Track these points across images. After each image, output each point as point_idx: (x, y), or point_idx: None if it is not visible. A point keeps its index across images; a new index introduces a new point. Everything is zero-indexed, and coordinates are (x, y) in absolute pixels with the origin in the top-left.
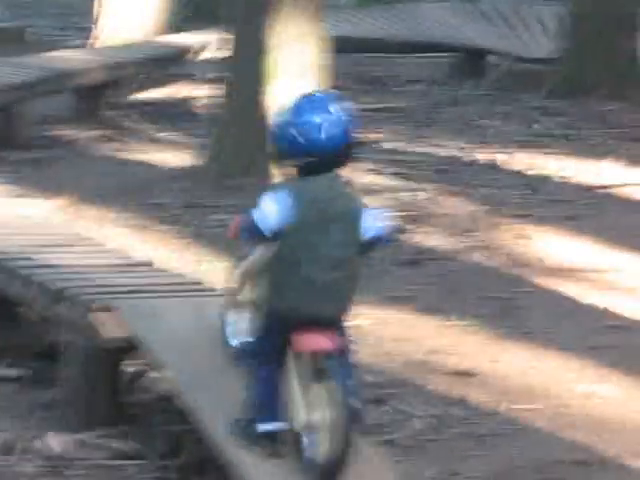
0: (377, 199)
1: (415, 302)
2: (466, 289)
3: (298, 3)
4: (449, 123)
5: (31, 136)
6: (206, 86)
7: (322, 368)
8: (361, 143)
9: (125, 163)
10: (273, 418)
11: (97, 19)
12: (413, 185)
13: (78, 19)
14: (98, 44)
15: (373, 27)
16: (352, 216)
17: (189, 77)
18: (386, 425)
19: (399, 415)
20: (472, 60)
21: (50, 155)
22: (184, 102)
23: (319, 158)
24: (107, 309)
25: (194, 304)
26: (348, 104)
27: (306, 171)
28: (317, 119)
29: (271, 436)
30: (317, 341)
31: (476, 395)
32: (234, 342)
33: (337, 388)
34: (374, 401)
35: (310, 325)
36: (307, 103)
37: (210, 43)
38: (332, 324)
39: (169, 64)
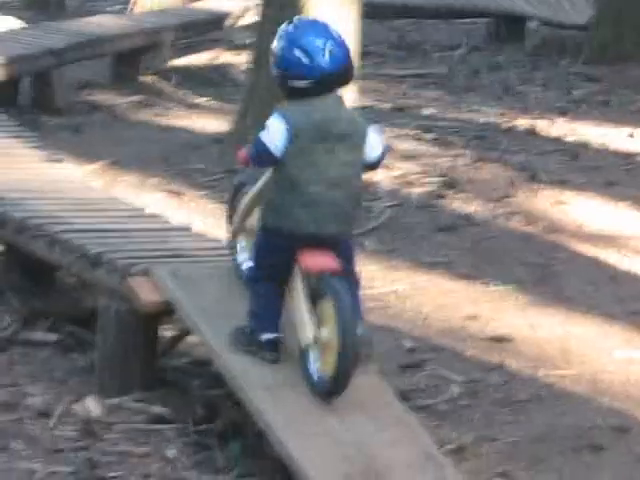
0: (416, 164)
1: (453, 268)
2: (504, 255)
3: None
4: (488, 89)
5: (69, 101)
6: (245, 52)
7: (328, 287)
8: (400, 109)
9: (164, 128)
10: (274, 329)
11: None
12: (452, 151)
13: None
14: (137, 9)
15: None
16: (356, 136)
17: (228, 43)
18: (423, 390)
19: (437, 380)
20: (511, 26)
21: (88, 120)
22: (223, 68)
23: (324, 79)
24: (145, 274)
25: (231, 269)
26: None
27: (309, 93)
28: (321, 41)
29: (272, 345)
30: (324, 260)
31: (514, 361)
32: (246, 266)
33: (344, 307)
34: (412, 366)
35: (314, 243)
36: (309, 26)
37: (249, 8)
38: (336, 242)
39: (208, 29)
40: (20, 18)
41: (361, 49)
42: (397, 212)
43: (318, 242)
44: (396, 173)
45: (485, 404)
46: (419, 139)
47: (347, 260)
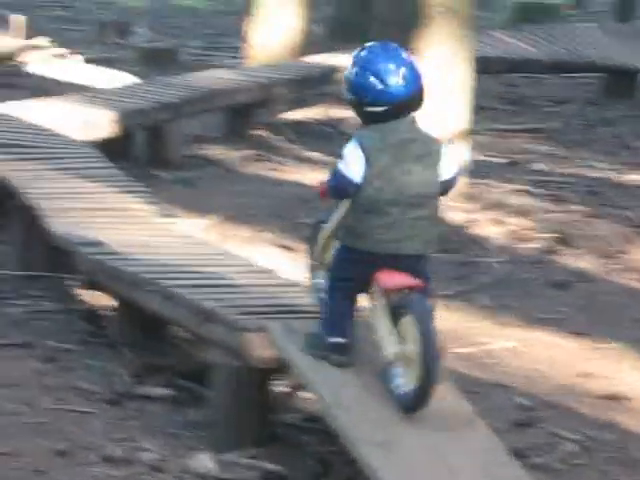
0: (528, 219)
1: (565, 324)
2: (617, 312)
3: (445, 24)
4: (601, 144)
5: (181, 155)
6: None
7: (410, 303)
8: (513, 164)
9: (276, 182)
10: (343, 335)
11: (247, 39)
12: (564, 206)
13: (231, 39)
14: (248, 63)
15: (524, 47)
16: (432, 156)
17: (339, 97)
18: (536, 448)
19: (549, 438)
20: (624, 80)
21: (201, 174)
22: (334, 122)
23: (398, 103)
24: (258, 329)
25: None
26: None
27: (384, 117)
28: (394, 65)
29: (340, 348)
30: (403, 278)
31: (627, 419)
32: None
33: (426, 322)
34: (525, 423)
35: (394, 263)
36: (381, 51)
37: None
38: (415, 261)
39: (318, 83)
40: (133, 72)
41: (474, 103)
42: (509, 268)
43: (398, 261)
44: (508, 228)
45: (600, 462)
46: (531, 194)
47: (422, 277)
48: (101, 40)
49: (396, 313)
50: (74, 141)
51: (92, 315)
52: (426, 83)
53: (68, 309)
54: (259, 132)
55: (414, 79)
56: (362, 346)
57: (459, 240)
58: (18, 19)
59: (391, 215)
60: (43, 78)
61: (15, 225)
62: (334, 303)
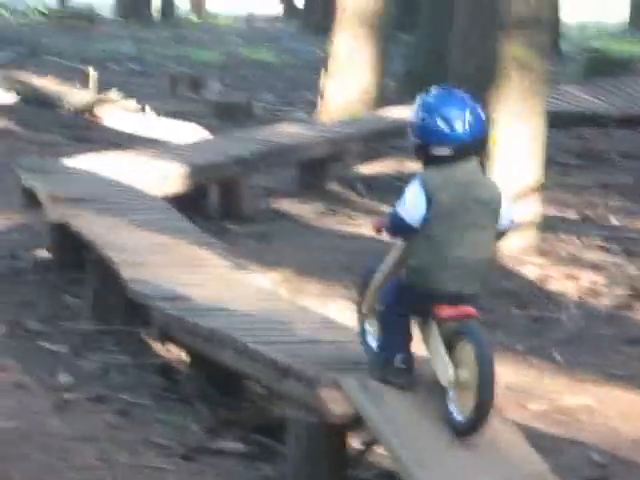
0: (602, 275)
1: None
2: None
3: (519, 79)
4: None
5: (255, 209)
6: None
7: (467, 331)
8: (586, 219)
9: (349, 237)
10: (405, 350)
11: (323, 92)
12: (637, 261)
13: (303, 93)
14: (323, 117)
15: (595, 101)
16: (493, 202)
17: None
18: None
19: None
20: None
21: (274, 228)
22: (408, 176)
23: (463, 147)
24: (334, 385)
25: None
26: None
27: (448, 160)
28: (460, 110)
29: (405, 363)
30: (462, 308)
31: None
32: (375, 345)
33: (484, 349)
34: None
35: (451, 300)
36: (447, 96)
37: None
38: (470, 300)
39: (392, 137)
40: (206, 126)
41: (545, 158)
42: (583, 323)
43: (455, 299)
44: (581, 284)
45: None
46: (604, 249)
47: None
48: (174, 93)
49: (451, 340)
50: (148, 195)
51: (166, 369)
52: (500, 137)
53: (142, 363)
54: (332, 186)
55: (478, 123)
56: (432, 394)
57: (532, 295)
58: (91, 73)
59: (454, 257)
60: (116, 131)
61: (90, 278)
62: (389, 323)
